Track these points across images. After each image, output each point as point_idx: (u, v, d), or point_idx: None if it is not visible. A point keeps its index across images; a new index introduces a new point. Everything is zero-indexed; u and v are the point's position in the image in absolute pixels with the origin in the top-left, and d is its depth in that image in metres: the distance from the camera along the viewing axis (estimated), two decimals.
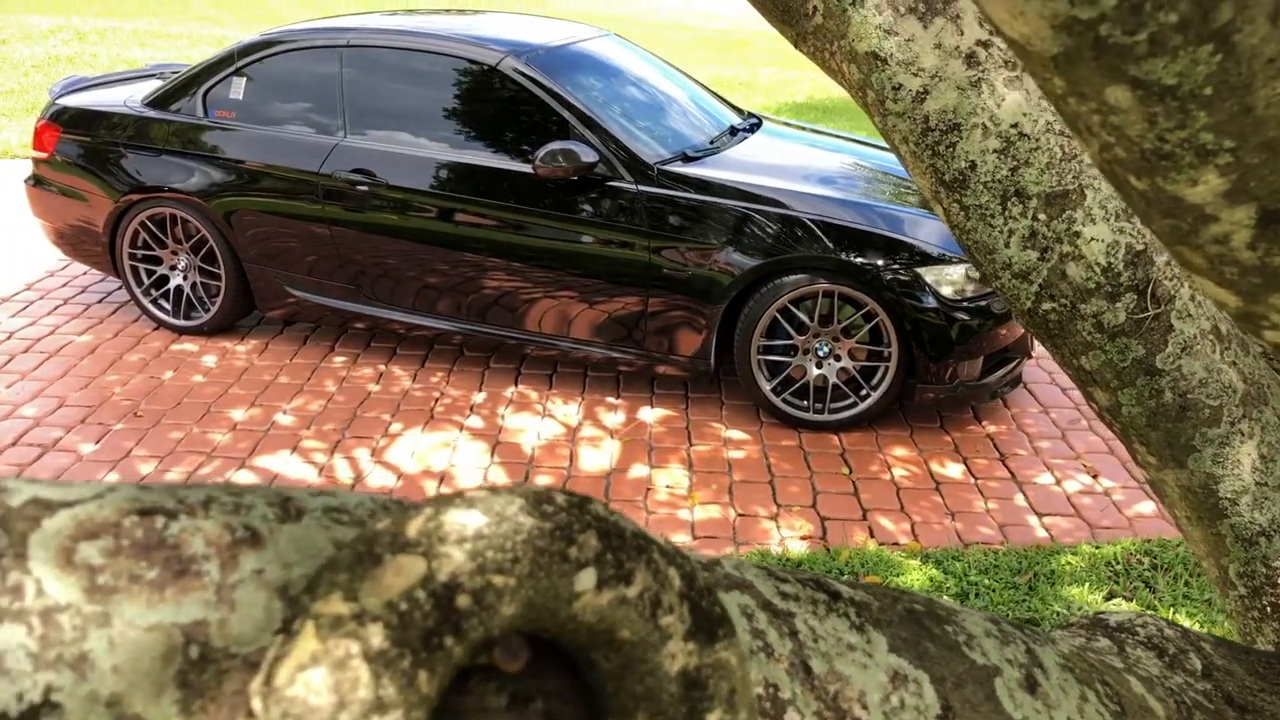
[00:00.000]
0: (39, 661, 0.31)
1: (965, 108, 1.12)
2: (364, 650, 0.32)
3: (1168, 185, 0.45)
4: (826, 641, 0.49)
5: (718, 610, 0.38)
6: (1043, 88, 0.46)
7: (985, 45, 1.14)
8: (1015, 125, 1.12)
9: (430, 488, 3.79)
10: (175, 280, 4.96)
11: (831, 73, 1.22)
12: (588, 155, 4.13)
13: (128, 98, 5.03)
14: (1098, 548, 3.52)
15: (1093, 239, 1.10)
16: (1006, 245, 1.14)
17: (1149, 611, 3.23)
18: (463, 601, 0.33)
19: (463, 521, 0.35)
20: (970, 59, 1.13)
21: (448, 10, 5.31)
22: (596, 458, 4.04)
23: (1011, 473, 4.02)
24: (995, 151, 1.12)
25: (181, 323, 4.98)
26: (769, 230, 4.04)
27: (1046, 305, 1.14)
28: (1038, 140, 1.12)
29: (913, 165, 1.18)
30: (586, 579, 0.36)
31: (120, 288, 5.60)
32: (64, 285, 5.63)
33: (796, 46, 1.24)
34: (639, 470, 3.96)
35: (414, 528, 0.35)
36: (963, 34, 1.14)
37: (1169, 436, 1.14)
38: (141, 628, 0.33)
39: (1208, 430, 1.12)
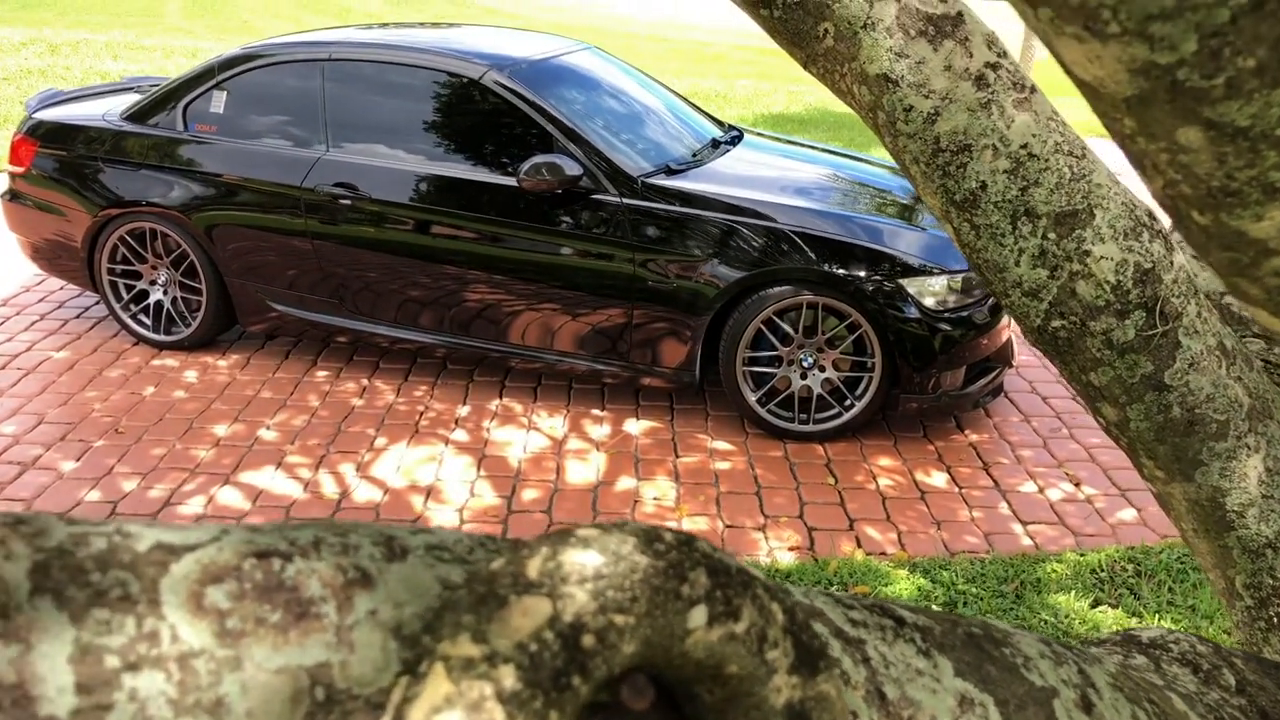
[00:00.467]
0: (179, 708, 0.32)
1: (975, 129, 1.14)
2: (497, 691, 0.32)
3: (1232, 221, 0.46)
4: (897, 668, 0.50)
5: (817, 643, 0.39)
6: (1109, 126, 0.48)
7: (994, 68, 1.15)
8: (1025, 146, 1.14)
9: (417, 503, 3.78)
10: (155, 295, 4.93)
11: (841, 94, 1.24)
12: (572, 168, 4.14)
13: (106, 112, 4.99)
14: (1082, 555, 3.56)
15: (1102, 257, 1.12)
16: (1017, 264, 1.15)
17: (1130, 617, 3.26)
18: (588, 641, 0.34)
19: (582, 561, 0.35)
20: (980, 81, 1.15)
21: (422, 24, 5.31)
22: (583, 470, 4.04)
23: (995, 481, 4.05)
24: (1005, 172, 1.14)
25: (162, 338, 4.95)
26: (753, 242, 4.06)
27: (1056, 323, 1.16)
28: (1047, 161, 1.14)
29: (923, 185, 1.20)
30: (698, 616, 0.37)
31: (97, 303, 5.55)
32: (40, 301, 5.58)
33: (805, 68, 1.26)
34: (626, 483, 3.97)
35: (534, 568, 0.35)
36: (972, 56, 1.15)
37: (1177, 451, 1.16)
38: (270, 670, 0.33)
39: (1215, 444, 1.14)
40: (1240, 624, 1.22)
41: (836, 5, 1.16)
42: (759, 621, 0.38)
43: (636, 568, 0.36)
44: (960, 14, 1.17)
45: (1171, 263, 1.14)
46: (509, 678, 0.33)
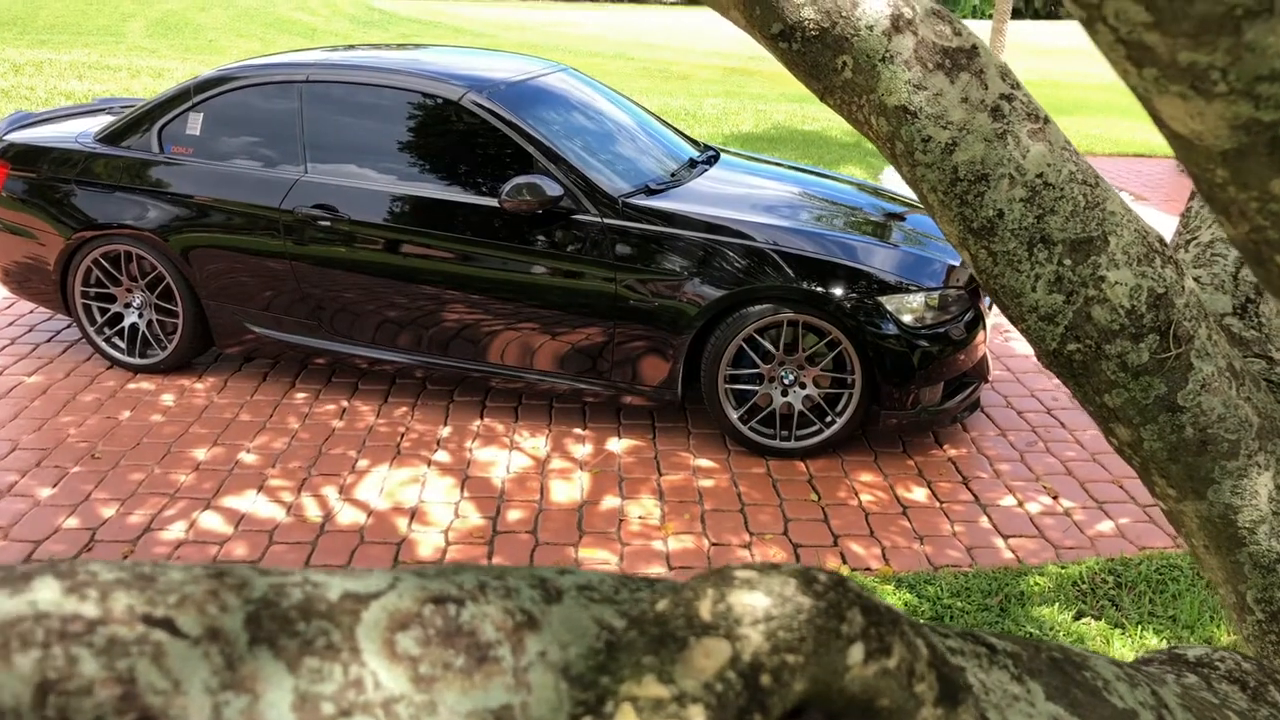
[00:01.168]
0: None
1: (992, 159, 1.17)
2: None
3: None
4: (995, 693, 0.52)
5: (956, 675, 0.41)
6: (1196, 174, 0.50)
7: (1009, 99, 1.19)
8: (1040, 175, 1.17)
9: (402, 525, 3.77)
10: (130, 318, 4.88)
11: (858, 125, 1.27)
12: (553, 189, 4.15)
13: (79, 134, 4.95)
14: (1063, 568, 3.61)
15: (1117, 283, 1.16)
16: (1033, 289, 1.19)
17: (1113, 628, 3.31)
18: (765, 680, 0.36)
19: (752, 603, 0.37)
20: (995, 112, 1.18)
21: (397, 45, 5.32)
22: (567, 490, 4.05)
23: (975, 495, 4.10)
24: (1022, 200, 1.17)
25: (137, 361, 4.90)
26: (734, 261, 4.10)
27: (1072, 346, 1.19)
28: (1062, 189, 1.17)
29: (940, 213, 1.23)
30: (856, 653, 0.38)
31: (69, 326, 5.49)
32: (10, 325, 5.51)
33: (822, 99, 1.29)
34: (610, 501, 3.97)
35: (706, 610, 0.37)
36: (987, 88, 1.19)
37: (1189, 470, 1.19)
38: (462, 715, 0.35)
39: (1226, 463, 1.18)
40: (1251, 637, 1.25)
41: (855, 39, 1.19)
42: (908, 657, 0.40)
43: (801, 608, 0.37)
44: (975, 47, 1.20)
45: (1183, 287, 1.17)
46: (699, 717, 0.34)
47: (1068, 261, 1.17)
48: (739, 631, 0.36)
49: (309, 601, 0.35)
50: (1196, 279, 1.43)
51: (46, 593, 0.31)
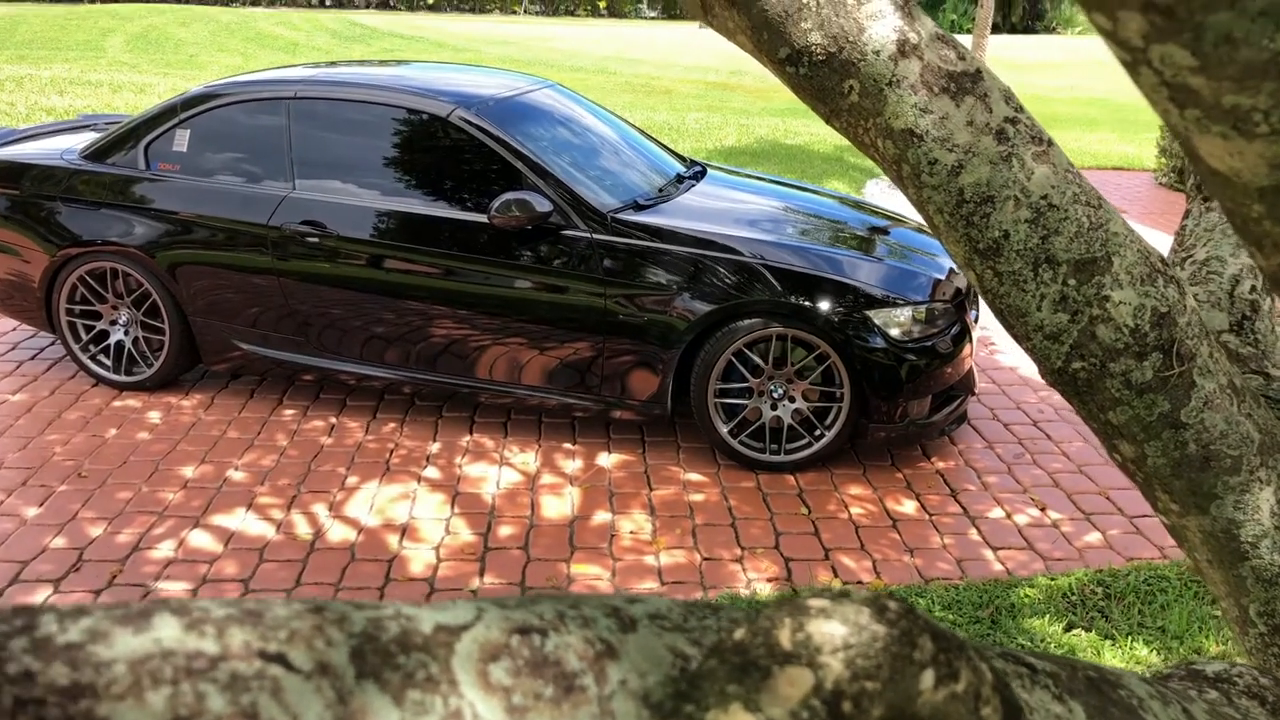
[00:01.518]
0: None
1: (997, 181, 1.19)
2: None
3: None
4: (1039, 713, 0.53)
5: (1017, 700, 0.42)
6: (1231, 209, 0.52)
7: (1013, 122, 1.21)
8: (1045, 197, 1.19)
9: (393, 541, 3.76)
10: (115, 335, 4.86)
11: (863, 147, 1.29)
12: (542, 205, 4.17)
13: (64, 150, 4.93)
14: (1053, 579, 3.63)
15: (1121, 302, 1.18)
16: (1038, 309, 1.21)
17: (1103, 640, 3.32)
18: (846, 707, 0.37)
19: (830, 632, 0.38)
20: (1000, 135, 1.20)
21: (383, 61, 5.33)
22: (558, 505, 4.05)
23: (964, 508, 4.12)
24: (1027, 222, 1.19)
25: (123, 378, 4.87)
26: (723, 276, 4.12)
27: (1076, 364, 1.21)
28: (1066, 211, 1.19)
29: (946, 234, 1.25)
30: (928, 679, 0.40)
31: (53, 344, 5.46)
32: None
33: (828, 122, 1.31)
34: (601, 516, 3.98)
35: (786, 639, 0.38)
36: (991, 111, 1.21)
37: (1192, 485, 1.21)
38: None
39: (1229, 479, 1.20)
40: (1253, 650, 1.27)
41: (862, 63, 1.21)
42: (974, 681, 0.41)
43: (877, 636, 0.39)
44: (979, 70, 1.23)
45: (1185, 306, 1.20)
46: None
47: (1072, 281, 1.19)
48: (820, 660, 0.37)
49: (405, 635, 0.36)
50: (1193, 296, 1.45)
51: (168, 630, 0.32)
